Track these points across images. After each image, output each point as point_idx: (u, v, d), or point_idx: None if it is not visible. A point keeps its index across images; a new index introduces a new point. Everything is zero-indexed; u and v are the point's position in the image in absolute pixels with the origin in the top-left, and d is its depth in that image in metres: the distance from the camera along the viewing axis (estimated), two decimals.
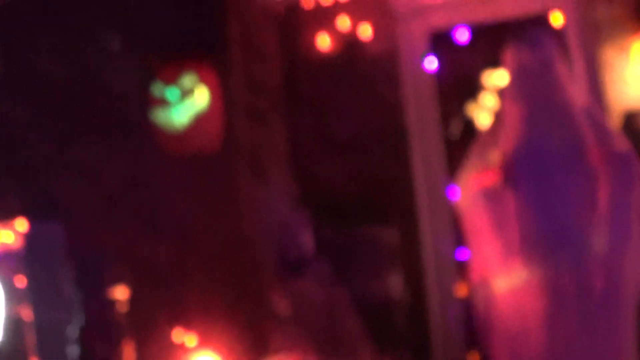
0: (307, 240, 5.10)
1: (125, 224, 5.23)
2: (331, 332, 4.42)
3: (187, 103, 4.78)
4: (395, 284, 4.83)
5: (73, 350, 4.49)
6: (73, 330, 4.57)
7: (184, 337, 4.59)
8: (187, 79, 4.79)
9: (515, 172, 3.27)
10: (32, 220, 5.58)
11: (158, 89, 4.85)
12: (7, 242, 5.86)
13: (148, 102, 4.91)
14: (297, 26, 5.47)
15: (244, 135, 5.00)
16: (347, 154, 5.37)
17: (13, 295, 5.95)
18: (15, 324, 5.94)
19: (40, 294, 5.27)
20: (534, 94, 3.36)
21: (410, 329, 4.96)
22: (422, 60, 5.19)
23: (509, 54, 3.45)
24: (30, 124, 5.67)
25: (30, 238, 5.60)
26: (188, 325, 4.73)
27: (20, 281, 5.80)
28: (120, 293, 4.53)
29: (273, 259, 4.99)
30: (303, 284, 4.58)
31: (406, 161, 5.22)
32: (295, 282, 4.64)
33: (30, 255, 5.60)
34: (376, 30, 5.26)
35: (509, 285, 3.18)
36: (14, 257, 5.88)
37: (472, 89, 5.01)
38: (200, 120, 4.81)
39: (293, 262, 5.02)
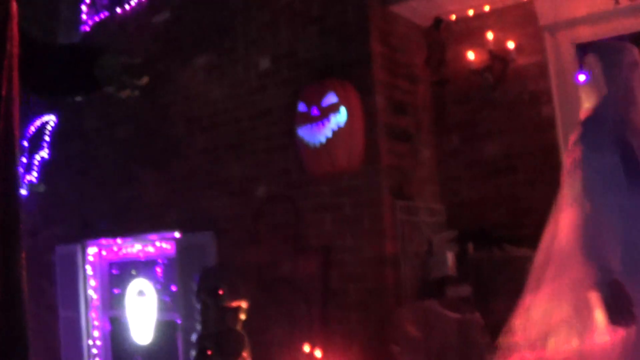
0: (450, 262, 5.11)
1: (269, 240, 5.45)
2: (461, 359, 4.39)
3: (330, 122, 4.92)
4: None
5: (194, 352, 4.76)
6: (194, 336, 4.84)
7: (312, 351, 4.74)
8: (330, 98, 4.93)
9: None
10: (186, 232, 5.98)
11: (302, 107, 5.03)
12: (164, 251, 6.32)
13: (292, 120, 5.09)
14: (443, 43, 5.50)
15: (387, 155, 5.09)
16: (495, 174, 5.34)
17: (165, 299, 6.42)
18: (166, 327, 6.38)
19: (187, 299, 5.62)
20: None
21: None
22: (571, 75, 5.07)
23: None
24: (183, 141, 6.05)
25: (183, 248, 6.00)
26: (318, 338, 4.86)
27: (173, 287, 6.25)
28: (245, 304, 4.76)
29: (412, 279, 5.03)
30: (437, 307, 4.59)
31: (556, 181, 5.08)
32: (430, 304, 4.66)
33: (182, 264, 6.00)
34: (523, 45, 5.23)
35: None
36: (169, 264, 6.33)
37: None
38: (342, 140, 4.94)
39: (432, 284, 5.05)
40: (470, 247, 5.10)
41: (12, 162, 2.17)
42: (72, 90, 2.97)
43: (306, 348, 4.85)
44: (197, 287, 4.81)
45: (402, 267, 5.05)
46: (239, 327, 4.73)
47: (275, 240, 5.54)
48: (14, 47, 2.20)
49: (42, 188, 7.33)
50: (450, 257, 5.14)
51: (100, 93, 2.92)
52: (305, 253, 5.33)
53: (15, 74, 2.22)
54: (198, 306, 4.79)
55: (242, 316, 4.76)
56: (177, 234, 6.16)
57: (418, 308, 4.71)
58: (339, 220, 5.23)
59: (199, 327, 4.79)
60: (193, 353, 4.78)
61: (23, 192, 7.42)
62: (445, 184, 5.54)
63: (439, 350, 4.47)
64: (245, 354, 4.67)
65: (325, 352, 4.80)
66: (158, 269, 6.61)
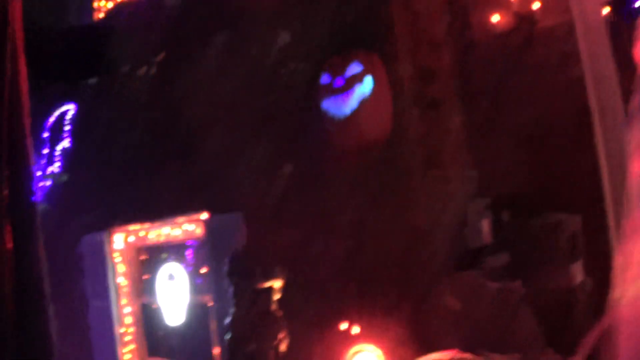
0: (486, 231, 4.96)
1: (298, 218, 5.33)
2: (502, 329, 4.25)
3: (354, 93, 4.78)
4: (576, 275, 4.55)
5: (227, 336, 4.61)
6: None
7: (349, 328, 4.58)
8: (354, 68, 4.79)
9: None
10: (214, 214, 5.83)
11: (325, 79, 4.89)
12: (193, 234, 6.19)
13: (317, 94, 4.94)
14: (466, 7, 5.31)
15: (415, 125, 4.95)
16: (526, 138, 5.15)
17: (196, 281, 6.31)
18: (198, 309, 6.27)
19: (218, 281, 5.49)
20: None
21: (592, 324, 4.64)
22: (599, 34, 4.88)
23: None
24: (206, 121, 5.92)
25: (212, 230, 5.87)
26: (355, 316, 4.73)
27: (204, 269, 6.12)
28: (279, 283, 4.59)
29: (447, 251, 4.89)
30: (476, 277, 4.44)
31: (590, 144, 4.91)
32: (468, 275, 4.51)
33: (212, 245, 5.87)
34: (549, 5, 5.03)
35: None
36: (198, 247, 6.20)
37: None
38: (368, 111, 4.82)
39: (469, 254, 4.91)
40: (505, 214, 4.96)
41: (23, 152, 2.05)
42: (86, 72, 2.85)
43: (343, 326, 4.69)
44: (227, 269, 4.66)
45: (437, 239, 4.92)
46: (273, 307, 4.58)
47: (306, 218, 5.42)
48: (17, 30, 2.08)
49: (65, 178, 7.23)
50: (485, 225, 5.01)
51: (114, 74, 2.80)
52: (337, 229, 5.20)
53: (21, 59, 2.10)
54: (230, 289, 4.64)
55: (277, 296, 4.61)
56: (205, 216, 6.04)
57: (457, 280, 4.58)
58: (370, 194, 5.09)
59: (231, 310, 4.64)
60: (227, 337, 4.64)
61: (46, 183, 7.34)
62: (476, 151, 5.37)
63: (480, 321, 4.35)
64: (281, 335, 4.52)
65: (362, 329, 4.66)
66: (187, 252, 6.50)
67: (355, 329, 4.67)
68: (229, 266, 4.67)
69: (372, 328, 4.67)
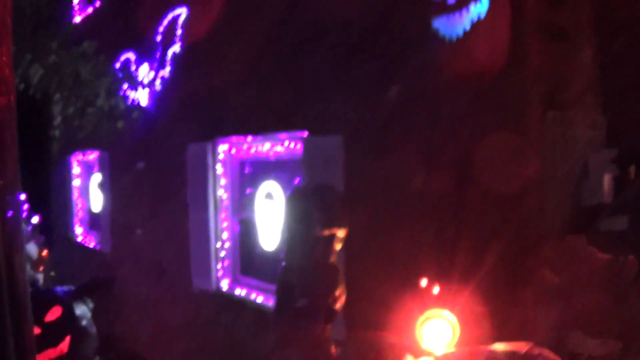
0: (607, 187, 4.16)
1: (400, 149, 4.73)
2: (605, 310, 3.49)
3: (468, 12, 4.10)
4: None
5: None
6: None
7: (428, 287, 3.86)
8: None
9: None
10: (314, 134, 5.35)
11: None
12: (293, 152, 5.70)
13: (427, 11, 4.25)
14: None
15: (539, 56, 4.18)
16: None
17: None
18: None
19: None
20: None
21: None
22: None
23: None
24: (314, 36, 5.40)
25: (310, 151, 5.38)
26: (442, 266, 4.09)
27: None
28: (342, 233, 3.91)
29: (559, 208, 4.12)
30: (584, 244, 3.67)
31: None
32: (575, 240, 3.74)
33: (308, 167, 5.37)
34: None
35: None
36: (296, 167, 5.70)
37: None
38: (483, 34, 4.10)
39: (582, 213, 4.11)
40: (632, 170, 4.12)
41: None
42: None
43: (423, 283, 3.97)
44: (284, 209, 4.02)
45: (550, 191, 4.17)
46: (333, 259, 3.90)
47: (408, 150, 4.79)
48: None
49: (160, 86, 6.90)
50: (607, 181, 4.20)
51: None
52: (439, 167, 4.54)
53: None
54: (284, 234, 3.98)
55: (338, 247, 3.92)
56: (305, 134, 5.51)
57: (560, 246, 3.82)
58: (478, 131, 4.38)
59: (284, 257, 4.02)
60: (276, 288, 4.04)
61: (155, 87, 7.05)
62: (608, 93, 4.50)
63: (581, 299, 3.60)
64: (338, 292, 3.84)
65: (444, 286, 3.95)
66: (286, 172, 6.01)
67: (436, 289, 3.95)
68: (285, 207, 4.02)
69: (451, 291, 3.97)
